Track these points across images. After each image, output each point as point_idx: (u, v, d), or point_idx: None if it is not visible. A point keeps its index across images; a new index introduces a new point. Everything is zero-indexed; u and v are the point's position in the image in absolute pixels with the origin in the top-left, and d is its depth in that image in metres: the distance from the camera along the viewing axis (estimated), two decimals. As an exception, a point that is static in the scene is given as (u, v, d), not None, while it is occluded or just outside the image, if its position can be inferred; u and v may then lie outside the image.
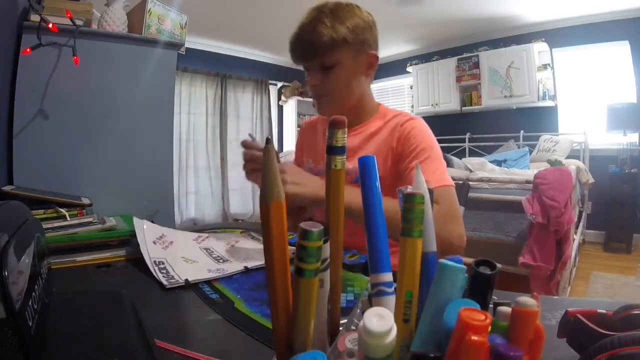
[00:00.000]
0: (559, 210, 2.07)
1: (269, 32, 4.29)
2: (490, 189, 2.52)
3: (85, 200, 0.93)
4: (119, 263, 0.71)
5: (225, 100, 4.86)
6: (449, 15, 3.93)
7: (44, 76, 1.17)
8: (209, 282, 0.61)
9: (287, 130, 5.55)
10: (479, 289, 0.22)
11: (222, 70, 4.83)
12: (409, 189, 0.23)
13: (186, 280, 0.59)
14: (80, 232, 0.78)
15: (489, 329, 0.18)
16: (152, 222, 0.83)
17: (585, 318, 0.33)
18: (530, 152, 3.76)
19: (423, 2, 3.53)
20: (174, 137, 1.62)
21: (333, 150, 0.26)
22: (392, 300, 0.23)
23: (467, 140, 4.51)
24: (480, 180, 2.57)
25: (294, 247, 0.20)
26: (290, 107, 5.44)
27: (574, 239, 2.48)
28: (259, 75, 5.21)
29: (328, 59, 0.82)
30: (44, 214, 0.79)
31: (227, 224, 1.27)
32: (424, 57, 4.98)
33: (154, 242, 0.74)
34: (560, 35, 3.94)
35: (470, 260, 0.24)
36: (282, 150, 5.17)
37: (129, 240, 0.78)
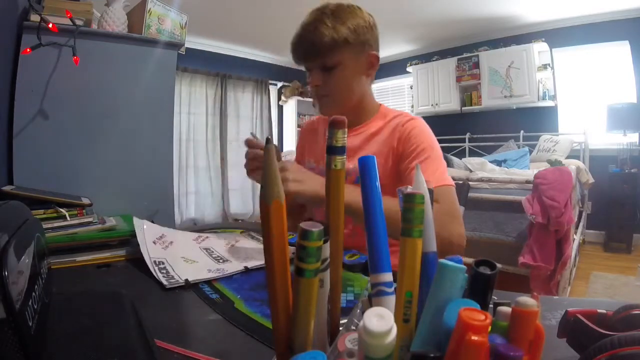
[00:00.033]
0: (559, 210, 2.07)
1: (269, 32, 4.29)
2: (490, 189, 2.52)
3: (85, 200, 0.93)
4: (119, 263, 0.71)
5: (225, 100, 4.86)
6: (449, 15, 3.93)
7: (44, 76, 1.17)
8: (209, 282, 0.61)
9: (287, 130, 5.55)
10: (479, 289, 0.22)
11: (222, 70, 4.83)
12: (409, 189, 0.23)
13: (186, 280, 0.59)
14: (80, 232, 0.78)
15: (489, 329, 0.18)
16: (152, 222, 0.83)
17: (585, 318, 0.33)
18: (530, 152, 3.76)
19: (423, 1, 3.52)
20: (174, 137, 1.62)
21: (333, 150, 0.26)
22: (392, 300, 0.23)
23: (467, 140, 4.50)
24: (480, 180, 2.57)
25: (294, 247, 0.20)
26: (290, 107, 5.44)
27: (574, 239, 2.48)
28: (259, 75, 5.21)
29: (329, 60, 0.83)
30: (44, 214, 0.79)
31: (227, 224, 1.27)
32: (424, 57, 4.98)
33: (154, 242, 0.74)
34: (560, 35, 3.94)
35: (470, 260, 0.24)
36: (282, 150, 5.17)
37: (129, 240, 0.78)
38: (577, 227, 2.77)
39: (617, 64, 3.63)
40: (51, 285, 0.45)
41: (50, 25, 1.08)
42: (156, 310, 0.51)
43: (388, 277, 0.23)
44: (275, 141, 5.19)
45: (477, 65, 4.38)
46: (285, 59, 5.38)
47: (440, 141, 0.88)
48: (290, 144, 5.36)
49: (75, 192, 0.97)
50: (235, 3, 3.58)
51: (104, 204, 1.02)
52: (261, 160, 0.71)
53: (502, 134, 4.14)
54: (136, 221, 0.78)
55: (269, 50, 5.12)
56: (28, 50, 1.07)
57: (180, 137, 4.46)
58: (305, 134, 1.11)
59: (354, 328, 0.26)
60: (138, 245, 0.71)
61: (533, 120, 4.10)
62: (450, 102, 4.67)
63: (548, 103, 4.03)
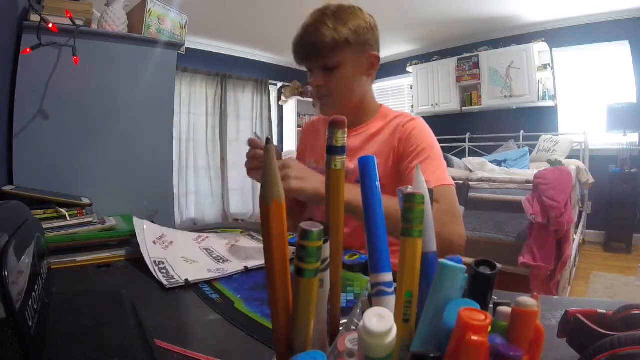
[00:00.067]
0: (559, 210, 2.07)
1: (269, 32, 4.29)
2: (490, 189, 2.52)
3: (85, 200, 0.93)
4: (119, 263, 0.71)
5: (225, 100, 4.86)
6: (449, 15, 3.93)
7: (44, 76, 1.17)
8: (209, 282, 0.61)
9: (287, 130, 5.55)
10: (479, 289, 0.22)
11: (222, 70, 4.83)
12: (409, 189, 0.23)
13: (186, 280, 0.59)
14: (80, 232, 0.78)
15: (489, 329, 0.18)
16: (152, 222, 0.83)
17: (585, 318, 0.33)
18: (530, 152, 3.76)
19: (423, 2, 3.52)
20: (174, 137, 1.62)
21: (333, 150, 0.26)
22: (392, 300, 0.23)
23: (467, 140, 4.50)
24: (480, 180, 2.57)
25: (294, 247, 0.20)
26: (290, 107, 5.44)
27: (574, 239, 2.48)
28: (259, 75, 5.21)
29: (330, 60, 0.84)
30: (44, 214, 0.79)
31: (227, 224, 1.27)
32: (424, 57, 4.98)
33: (154, 242, 0.74)
34: (560, 35, 3.94)
35: (470, 260, 0.24)
36: (282, 150, 5.17)
37: (129, 240, 0.78)
38: (577, 227, 2.77)
39: (617, 64, 3.63)
40: (51, 285, 0.45)
41: (50, 25, 1.08)
42: (156, 310, 0.51)
43: (388, 277, 0.23)
44: (275, 141, 5.19)
45: (477, 65, 4.38)
46: (285, 59, 5.38)
47: (440, 141, 0.88)
48: (290, 144, 5.36)
49: (75, 192, 0.97)
50: (235, 3, 3.58)
51: (104, 204, 1.02)
52: (261, 159, 0.72)
53: (502, 134, 4.14)
54: (136, 221, 0.78)
55: (269, 50, 5.12)
56: (28, 50, 1.07)
57: (180, 137, 4.46)
58: (306, 134, 1.11)
59: (354, 328, 0.26)
60: (138, 245, 0.70)
61: (533, 120, 4.10)
62: (450, 102, 4.67)
63: (548, 103, 4.04)
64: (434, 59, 4.83)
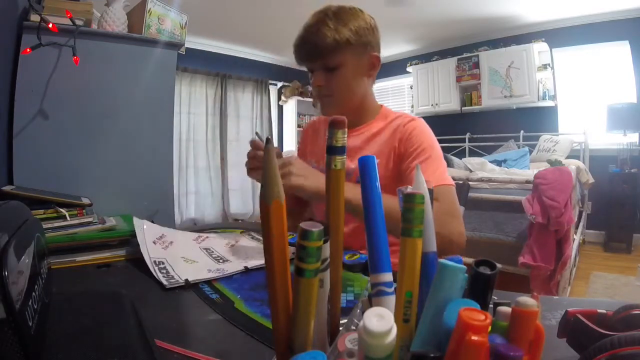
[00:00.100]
0: (559, 210, 2.07)
1: (269, 32, 4.29)
2: (490, 189, 2.52)
3: (85, 200, 0.93)
4: (119, 263, 0.71)
5: (225, 100, 4.86)
6: (449, 15, 3.93)
7: (44, 76, 1.17)
8: (209, 282, 0.61)
9: (287, 130, 5.55)
10: (479, 289, 0.22)
11: (222, 70, 4.83)
12: (409, 189, 0.23)
13: (186, 280, 0.59)
14: (80, 232, 0.78)
15: (489, 329, 0.18)
16: (152, 222, 0.83)
17: (585, 318, 0.33)
18: (530, 152, 3.76)
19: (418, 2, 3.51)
20: (174, 137, 1.62)
21: (333, 150, 0.26)
22: (392, 300, 0.23)
23: (467, 140, 4.50)
24: (480, 180, 2.57)
25: (294, 247, 0.20)
26: (290, 107, 5.44)
27: (574, 239, 2.48)
28: (259, 75, 5.21)
29: (331, 60, 0.84)
30: (44, 214, 0.79)
31: (227, 224, 1.27)
32: (424, 57, 4.98)
33: (154, 242, 0.74)
34: (560, 35, 3.94)
35: (470, 260, 0.24)
36: (282, 150, 5.16)
37: (129, 240, 0.78)
38: (577, 227, 2.77)
39: (617, 64, 3.63)
40: (51, 285, 0.45)
41: (50, 25, 1.08)
42: (156, 310, 0.51)
43: (388, 277, 0.23)
44: (275, 141, 5.19)
45: (477, 65, 4.38)
46: (285, 59, 5.38)
47: (440, 141, 0.89)
48: (290, 144, 5.36)
49: (75, 192, 0.97)
50: (235, 3, 3.58)
51: (104, 204, 1.02)
52: (261, 160, 0.72)
53: (502, 134, 4.14)
54: (136, 221, 0.78)
55: (269, 50, 5.12)
56: (28, 50, 1.07)
57: (180, 137, 4.46)
58: (306, 134, 1.11)
59: (354, 328, 0.26)
60: (138, 245, 0.71)
61: (533, 120, 4.10)
62: (450, 102, 4.67)
63: (548, 103, 4.03)
64: (434, 59, 4.83)
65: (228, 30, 4.34)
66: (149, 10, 1.42)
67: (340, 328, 0.27)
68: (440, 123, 4.40)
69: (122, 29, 1.33)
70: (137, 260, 0.68)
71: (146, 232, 0.75)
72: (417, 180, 0.25)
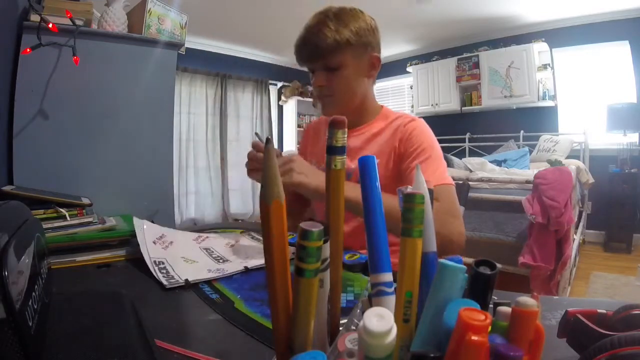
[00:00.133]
0: (559, 210, 2.07)
1: (269, 32, 4.29)
2: (490, 189, 2.52)
3: (85, 200, 0.93)
4: (119, 263, 0.71)
5: (225, 100, 4.86)
6: (449, 15, 3.93)
7: (44, 76, 1.17)
8: (209, 282, 0.61)
9: (287, 130, 5.55)
10: (479, 289, 0.22)
11: (222, 70, 4.83)
12: (409, 189, 0.23)
13: (186, 280, 0.59)
14: (80, 232, 0.78)
15: (489, 329, 0.18)
16: (152, 222, 0.83)
17: (585, 318, 0.33)
18: (530, 152, 3.76)
19: (430, 1, 3.50)
20: (174, 137, 1.62)
21: (333, 150, 0.26)
22: (392, 300, 0.23)
23: (467, 140, 4.50)
24: (480, 180, 2.57)
25: (294, 247, 0.20)
26: (290, 107, 5.44)
27: (574, 239, 2.48)
28: (259, 75, 5.21)
29: (332, 61, 0.85)
30: (44, 214, 0.79)
31: (227, 224, 1.27)
32: (424, 57, 4.98)
33: (154, 242, 0.74)
34: (560, 35, 3.94)
35: (470, 260, 0.24)
36: (282, 150, 5.16)
37: (129, 240, 0.78)
38: (577, 227, 2.77)
39: (617, 64, 3.63)
40: (51, 285, 0.45)
41: (50, 25, 1.08)
42: (156, 310, 0.51)
43: (388, 277, 0.23)
44: (275, 141, 5.19)
45: (477, 65, 4.38)
46: (285, 59, 5.38)
47: (440, 141, 0.89)
48: (290, 144, 5.36)
49: (75, 192, 0.97)
50: (235, 3, 3.58)
51: (104, 204, 1.02)
52: (261, 161, 0.72)
53: (502, 134, 4.14)
54: (136, 221, 0.78)
55: (269, 50, 5.12)
56: (28, 50, 1.07)
57: (180, 137, 4.46)
58: (308, 134, 1.12)
59: (354, 328, 0.26)
60: (138, 245, 0.71)
61: (533, 120, 4.10)
62: (450, 102, 4.67)
63: (548, 103, 4.03)
64: (434, 59, 4.83)
65: (228, 30, 4.34)
66: (149, 10, 1.42)
67: (340, 328, 0.27)
68: (440, 123, 4.40)
69: (122, 29, 1.33)
70: (137, 260, 0.68)
71: (146, 232, 0.75)
72: (417, 180, 0.25)
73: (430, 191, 0.25)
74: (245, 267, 0.67)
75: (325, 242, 0.23)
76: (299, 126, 5.33)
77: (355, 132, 0.94)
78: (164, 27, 1.51)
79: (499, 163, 3.51)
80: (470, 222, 2.38)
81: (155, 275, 0.61)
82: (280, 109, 5.59)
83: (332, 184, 0.26)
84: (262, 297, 0.54)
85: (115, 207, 1.06)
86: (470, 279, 0.22)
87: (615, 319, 0.32)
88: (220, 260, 0.71)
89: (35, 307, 0.34)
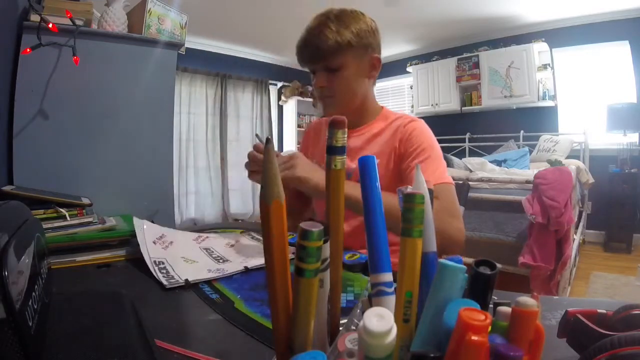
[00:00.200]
0: (559, 210, 2.07)
1: (269, 32, 4.29)
2: (490, 189, 2.52)
3: (85, 200, 0.93)
4: (119, 263, 0.71)
5: (225, 100, 4.86)
6: (449, 15, 3.93)
7: (44, 76, 1.17)
8: (209, 282, 0.61)
9: (287, 130, 5.55)
10: (479, 289, 0.22)
11: (222, 70, 4.83)
12: (409, 189, 0.23)
13: (186, 280, 0.59)
14: (80, 232, 0.78)
15: (489, 329, 0.18)
16: (152, 222, 0.83)
17: (585, 318, 0.33)
18: (530, 152, 3.76)
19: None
20: (174, 137, 1.62)
21: (333, 150, 0.26)
22: (392, 300, 0.23)
23: (467, 140, 4.50)
24: (480, 180, 2.57)
25: (294, 247, 0.20)
26: (290, 107, 5.44)
27: (574, 239, 2.48)
28: (259, 75, 5.21)
29: (333, 62, 0.86)
30: (44, 214, 0.79)
31: (227, 224, 1.27)
32: (424, 57, 4.98)
33: (154, 242, 0.74)
34: (560, 35, 3.94)
35: (470, 260, 0.24)
36: (282, 151, 5.16)
37: (129, 240, 0.78)
38: (577, 227, 2.77)
39: (617, 64, 3.63)
40: (51, 285, 0.45)
41: (50, 25, 1.08)
42: (156, 310, 0.51)
43: (388, 277, 0.23)
44: (275, 141, 5.19)
45: (477, 65, 4.38)
46: (285, 59, 5.38)
47: (440, 141, 0.90)
48: (290, 144, 5.36)
49: (75, 192, 0.97)
50: (235, 3, 3.58)
51: (104, 204, 1.02)
52: (261, 163, 0.73)
53: (502, 134, 4.14)
54: (136, 221, 0.78)
55: (269, 50, 5.12)
56: (28, 50, 1.07)
57: (180, 137, 4.46)
58: (308, 135, 1.13)
59: (354, 328, 0.26)
60: (138, 245, 0.70)
61: (533, 120, 4.10)
62: (450, 102, 4.67)
63: (548, 103, 4.03)
64: (434, 59, 4.83)
65: (228, 30, 4.34)
66: (149, 10, 1.42)
67: (340, 328, 0.27)
68: (440, 123, 4.40)
69: (122, 29, 1.33)
70: (137, 260, 0.68)
71: (146, 232, 0.75)
72: (417, 180, 0.25)
73: (430, 191, 0.25)
74: (245, 267, 0.67)
75: (325, 242, 0.23)
76: (299, 126, 5.33)
77: (355, 132, 0.94)
78: (164, 27, 1.51)
79: (499, 163, 3.51)
80: (470, 222, 2.38)
81: (155, 275, 0.61)
82: (280, 109, 5.60)
83: (332, 184, 0.26)
84: (262, 297, 0.54)
85: (115, 207, 1.06)
86: (470, 279, 0.22)
87: (615, 319, 0.32)
88: (220, 260, 0.71)
89: (35, 307, 0.34)
